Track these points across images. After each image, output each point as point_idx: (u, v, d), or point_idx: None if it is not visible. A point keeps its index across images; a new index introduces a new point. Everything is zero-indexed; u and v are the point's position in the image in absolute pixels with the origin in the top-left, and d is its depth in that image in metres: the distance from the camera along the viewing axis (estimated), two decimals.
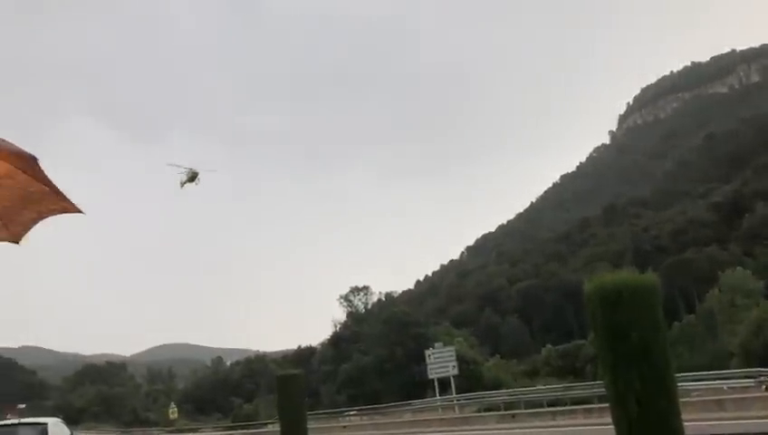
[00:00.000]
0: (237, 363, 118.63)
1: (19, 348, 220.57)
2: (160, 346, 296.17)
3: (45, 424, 15.79)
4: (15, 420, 16.00)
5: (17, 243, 3.95)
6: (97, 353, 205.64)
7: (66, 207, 3.72)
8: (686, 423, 8.00)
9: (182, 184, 31.98)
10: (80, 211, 3.78)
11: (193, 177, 31.62)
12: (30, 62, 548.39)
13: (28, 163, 3.28)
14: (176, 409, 62.00)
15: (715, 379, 29.23)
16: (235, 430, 55.06)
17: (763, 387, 25.02)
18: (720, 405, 23.13)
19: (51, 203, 3.70)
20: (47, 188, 3.52)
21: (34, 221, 3.89)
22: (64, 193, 3.59)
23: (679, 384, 18.88)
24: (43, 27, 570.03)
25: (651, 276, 8.18)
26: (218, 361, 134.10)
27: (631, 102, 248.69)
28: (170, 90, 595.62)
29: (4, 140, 3.08)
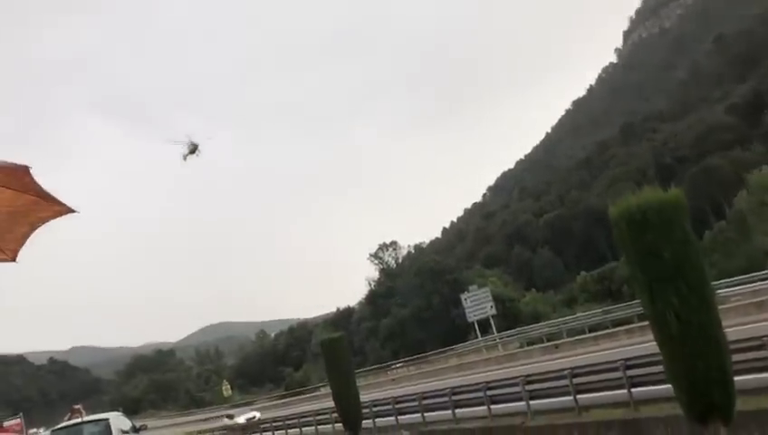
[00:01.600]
0: (281, 334, 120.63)
1: (69, 349, 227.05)
2: (205, 328, 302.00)
3: (107, 419, 16.45)
4: (79, 420, 16.67)
5: (14, 261, 3.90)
6: (145, 344, 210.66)
7: (58, 210, 3.66)
8: (727, 329, 8.14)
9: (184, 157, 34.90)
10: (72, 211, 3.71)
11: (194, 148, 34.32)
12: (28, 61, 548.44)
13: (18, 175, 3.23)
14: (228, 386, 63.65)
15: (752, 281, 29.21)
16: (290, 397, 56.51)
17: None
18: (760, 307, 23.20)
19: (41, 211, 3.64)
20: (34, 198, 3.47)
21: (26, 235, 3.82)
22: (54, 196, 3.51)
23: (717, 292, 18.96)
24: (39, 26, 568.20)
25: (675, 192, 8.23)
26: (262, 334, 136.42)
27: (633, 16, 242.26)
28: (169, 76, 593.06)
29: None
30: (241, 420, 35.60)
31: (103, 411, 23.47)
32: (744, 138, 76.28)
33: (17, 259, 3.89)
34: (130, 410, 65.03)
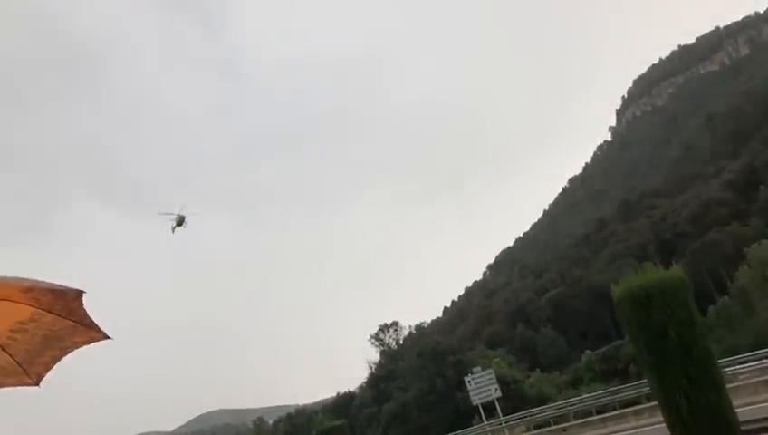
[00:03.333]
0: (279, 420, 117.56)
1: None
2: (201, 416, 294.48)
3: None
4: None
5: (38, 386, 3.90)
6: (140, 432, 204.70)
7: (94, 337, 3.70)
8: (738, 410, 7.84)
9: (173, 229, 35.99)
10: (108, 338, 3.74)
11: (181, 220, 35.75)
12: (30, 148, 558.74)
13: (67, 299, 3.32)
14: None
15: (759, 358, 28.58)
16: None
17: None
18: None
19: (77, 336, 3.68)
20: (74, 323, 3.53)
21: (56, 359, 3.84)
22: (94, 322, 3.57)
23: (725, 370, 18.53)
24: (39, 113, 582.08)
25: (676, 271, 8.11)
26: (260, 421, 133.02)
27: (626, 96, 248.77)
28: (166, 162, 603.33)
29: (44, 281, 3.14)
30: None
31: None
32: (741, 212, 76.79)
33: (41, 385, 3.90)
34: None
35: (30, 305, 3.42)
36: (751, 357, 29.39)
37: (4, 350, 3.69)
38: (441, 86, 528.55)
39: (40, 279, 3.20)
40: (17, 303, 3.37)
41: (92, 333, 3.64)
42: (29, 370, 3.80)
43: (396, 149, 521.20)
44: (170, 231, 36.14)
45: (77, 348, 3.78)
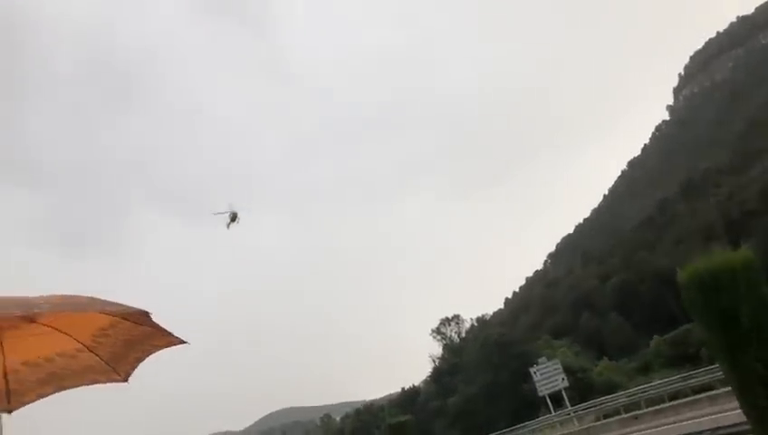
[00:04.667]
0: (347, 416, 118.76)
1: None
2: (270, 414, 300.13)
3: None
4: None
5: (126, 381, 4.31)
6: (211, 432, 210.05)
7: (171, 341, 4.02)
8: None
9: (228, 225, 38.49)
10: (184, 342, 4.05)
11: (234, 217, 38.14)
12: (88, 161, 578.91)
13: (136, 317, 3.68)
14: None
15: None
16: None
17: None
18: None
19: (155, 340, 4.02)
20: (150, 329, 3.85)
21: (139, 360, 4.22)
22: (168, 331, 3.88)
23: None
24: (97, 127, 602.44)
25: (746, 253, 7.82)
26: (327, 418, 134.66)
27: (683, 73, 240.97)
28: (221, 167, 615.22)
29: (115, 303, 3.43)
30: None
31: None
32: None
33: (128, 380, 4.33)
34: None
35: (108, 315, 3.79)
36: None
37: (92, 351, 4.13)
38: (494, 71, 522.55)
39: (109, 300, 3.47)
40: (95, 314, 3.74)
41: (169, 338, 3.96)
42: (117, 368, 4.23)
43: (442, 140, 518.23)
44: (225, 228, 38.46)
45: (157, 350, 4.14)
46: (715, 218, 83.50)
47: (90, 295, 3.37)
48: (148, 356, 4.18)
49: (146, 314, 3.58)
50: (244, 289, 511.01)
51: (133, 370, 4.27)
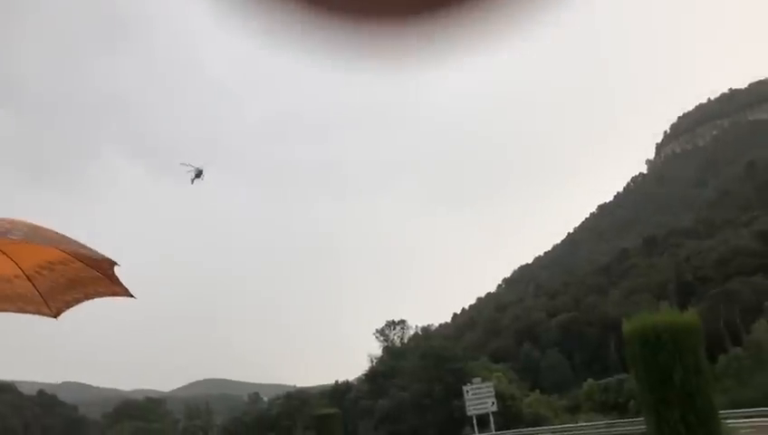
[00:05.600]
0: (276, 398, 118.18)
1: (61, 384, 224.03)
2: (198, 381, 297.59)
3: None
4: None
5: (56, 318, 4.18)
6: (136, 389, 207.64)
7: (117, 291, 3.94)
8: None
9: (192, 181, 40.57)
10: (130, 295, 3.97)
11: (199, 173, 40.08)
12: (62, 94, 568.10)
13: (101, 262, 3.62)
14: None
15: (764, 415, 28.20)
16: None
17: None
18: None
19: (101, 287, 3.94)
20: (100, 275, 3.78)
21: (78, 301, 4.11)
22: (119, 281, 3.81)
23: (727, 421, 18.38)
24: (77, 63, 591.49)
25: (692, 316, 8.02)
26: (255, 396, 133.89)
27: (669, 131, 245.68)
28: (200, 127, 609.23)
29: (83, 246, 3.37)
30: None
31: None
32: (767, 265, 75.49)
33: (59, 318, 4.22)
34: None
35: (63, 253, 3.69)
36: (755, 413, 29.04)
37: (29, 280, 4.02)
38: (479, 92, 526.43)
39: (81, 242, 3.42)
40: (52, 248, 3.64)
41: (116, 287, 3.88)
42: (50, 303, 4.12)
43: (428, 150, 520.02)
44: (190, 183, 39.92)
45: (99, 297, 4.05)
46: (670, 278, 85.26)
47: (61, 234, 3.30)
48: (88, 300, 4.07)
49: (111, 264, 3.55)
50: (198, 254, 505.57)
51: (67, 308, 4.18)
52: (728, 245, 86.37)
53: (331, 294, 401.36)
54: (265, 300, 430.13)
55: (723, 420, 10.75)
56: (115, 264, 3.52)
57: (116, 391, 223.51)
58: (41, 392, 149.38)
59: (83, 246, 3.36)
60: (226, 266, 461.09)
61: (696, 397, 7.05)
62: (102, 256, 3.43)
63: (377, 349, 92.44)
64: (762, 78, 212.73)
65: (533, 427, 44.75)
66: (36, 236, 3.20)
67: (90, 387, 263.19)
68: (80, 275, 3.88)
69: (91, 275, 3.81)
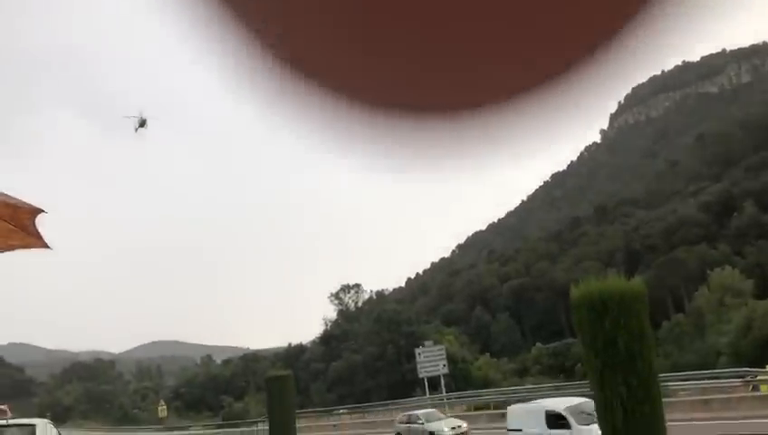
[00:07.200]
0: (228, 361, 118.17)
1: (7, 345, 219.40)
2: (150, 343, 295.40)
3: (33, 425, 15.66)
4: (4, 422, 15.85)
5: None
6: (86, 350, 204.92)
7: (32, 242, 3.77)
8: (671, 424, 8.04)
9: (136, 129, 42.00)
10: (46, 247, 3.82)
11: (143, 122, 41.24)
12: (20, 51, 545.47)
13: (20, 212, 3.46)
14: (165, 406, 61.80)
15: (702, 378, 29.31)
16: (225, 428, 54.95)
17: (750, 387, 25.10)
18: (707, 405, 23.22)
19: (14, 240, 3.75)
20: (13, 227, 3.59)
21: None
22: (36, 231, 3.63)
23: (667, 384, 19.01)
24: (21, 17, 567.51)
25: (638, 283, 8.22)
26: (208, 359, 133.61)
27: (623, 101, 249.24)
28: (150, 85, 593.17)
29: (5, 194, 3.23)
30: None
31: (31, 416, 22.46)
32: (711, 235, 77.98)
33: None
34: (59, 418, 62.81)
35: None
36: (693, 376, 30.16)
37: None
38: None
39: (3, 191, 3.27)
40: None
41: (31, 239, 3.71)
42: None
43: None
44: (134, 131, 41.52)
45: (12, 250, 3.89)
46: (618, 246, 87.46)
47: None
48: (1, 252, 3.93)
49: (35, 212, 3.43)
50: (150, 214, 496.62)
51: None
52: (675, 215, 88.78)
53: (286, 260, 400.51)
54: (219, 263, 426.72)
55: (663, 383, 11.13)
56: (40, 211, 3.39)
57: (65, 352, 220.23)
58: None
59: (3, 194, 3.22)
60: (181, 228, 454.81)
61: (638, 360, 7.25)
62: (24, 203, 3.34)
63: (331, 312, 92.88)
64: (714, 51, 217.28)
65: (483, 389, 45.76)
66: None
67: (37, 348, 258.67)
68: None
69: (4, 228, 3.64)
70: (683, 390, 27.96)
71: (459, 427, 25.41)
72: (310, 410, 53.74)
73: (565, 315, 72.66)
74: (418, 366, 42.60)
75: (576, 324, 8.20)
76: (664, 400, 8.42)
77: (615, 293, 7.37)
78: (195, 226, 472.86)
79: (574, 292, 7.67)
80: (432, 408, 29.75)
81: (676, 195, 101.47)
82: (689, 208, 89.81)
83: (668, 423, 7.90)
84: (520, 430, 16.20)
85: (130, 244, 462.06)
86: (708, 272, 58.08)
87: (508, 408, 18.57)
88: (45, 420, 17.76)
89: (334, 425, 43.36)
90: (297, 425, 20.67)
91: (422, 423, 24.89)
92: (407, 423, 25.69)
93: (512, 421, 17.09)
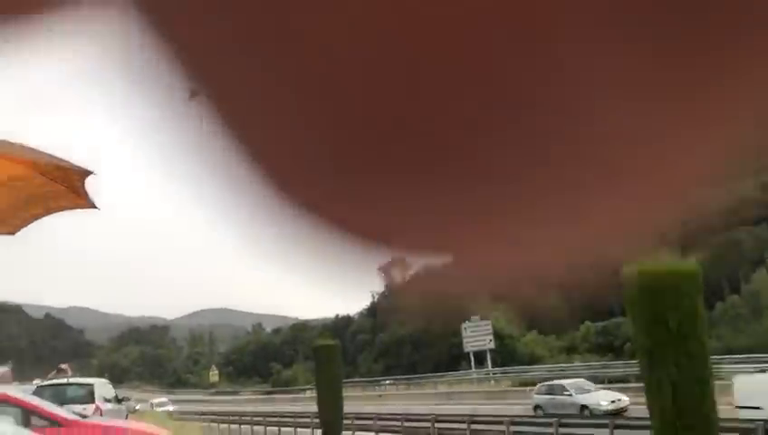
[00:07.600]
0: (277, 330, 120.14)
1: (68, 308, 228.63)
2: (202, 311, 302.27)
3: (92, 385, 16.45)
4: (65, 380, 16.72)
5: (13, 234, 4.00)
6: (141, 316, 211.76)
7: (80, 203, 3.76)
8: (721, 407, 7.99)
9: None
10: (94, 207, 3.81)
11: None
12: None
13: (69, 174, 3.45)
14: (216, 371, 63.73)
15: (756, 362, 28.68)
16: (275, 394, 56.42)
17: None
18: None
19: (63, 201, 3.77)
20: (62, 187, 3.61)
21: (37, 217, 3.93)
22: (84, 191, 3.62)
23: (720, 366, 18.64)
24: None
25: (692, 264, 8.15)
26: (259, 326, 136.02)
27: None
28: None
29: (52, 156, 3.25)
30: None
31: (90, 376, 23.54)
32: None
33: (16, 234, 3.98)
34: (116, 379, 65.36)
35: (27, 167, 3.50)
36: (747, 359, 29.57)
37: None
38: None
39: (49, 153, 3.29)
40: (15, 163, 3.45)
41: (79, 199, 3.71)
42: (7, 220, 3.91)
43: None
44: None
45: (60, 211, 3.90)
46: (674, 225, 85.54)
47: (27, 146, 3.15)
48: (48, 215, 3.94)
49: (84, 174, 3.40)
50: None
51: (26, 225, 3.98)
52: (735, 194, 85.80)
53: None
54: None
55: (716, 365, 10.91)
56: (90, 173, 3.39)
57: (122, 317, 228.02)
58: (48, 316, 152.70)
59: (52, 157, 3.26)
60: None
61: (690, 340, 7.23)
62: (75, 166, 3.33)
63: (378, 285, 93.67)
64: None
65: (529, 365, 45.72)
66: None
67: (96, 312, 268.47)
68: (42, 190, 3.69)
69: (53, 189, 3.67)
70: (736, 373, 27.43)
71: (620, 401, 21.72)
72: (356, 379, 54.66)
73: (616, 294, 71.63)
74: (464, 340, 42.84)
75: (626, 304, 8.20)
76: (718, 383, 8.38)
77: (668, 272, 7.34)
78: None
79: (627, 270, 7.65)
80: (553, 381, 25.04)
81: (736, 173, 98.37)
82: (749, 188, 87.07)
83: (720, 407, 7.88)
84: (759, 408, 11.60)
85: (180, 215, 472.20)
86: (766, 254, 56.30)
87: (737, 378, 13.89)
88: (103, 380, 18.60)
89: (379, 395, 44.02)
90: (344, 394, 21.12)
91: (570, 395, 21.46)
92: (548, 395, 22.24)
93: (746, 397, 12.33)
